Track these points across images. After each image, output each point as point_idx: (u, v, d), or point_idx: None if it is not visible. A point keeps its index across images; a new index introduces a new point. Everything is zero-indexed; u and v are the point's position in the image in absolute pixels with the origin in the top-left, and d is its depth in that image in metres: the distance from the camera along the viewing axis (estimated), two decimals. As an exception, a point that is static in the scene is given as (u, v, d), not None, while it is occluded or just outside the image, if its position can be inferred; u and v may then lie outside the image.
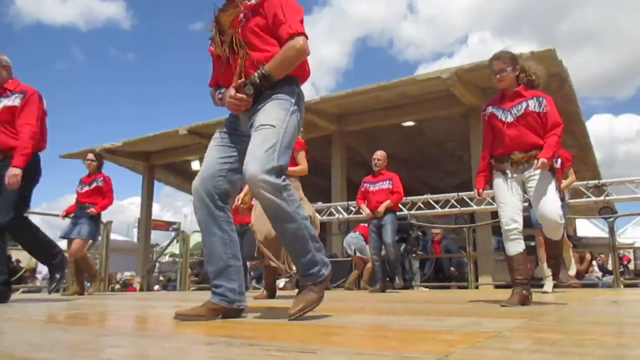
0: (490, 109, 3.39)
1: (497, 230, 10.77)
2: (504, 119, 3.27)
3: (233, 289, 2.25)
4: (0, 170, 3.70)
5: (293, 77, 2.31)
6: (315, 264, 2.21)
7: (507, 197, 3.24)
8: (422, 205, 9.01)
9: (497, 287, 8.84)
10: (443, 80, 10.02)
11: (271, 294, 4.75)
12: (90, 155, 6.36)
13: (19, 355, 1.32)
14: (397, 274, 6.54)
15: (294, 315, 2.07)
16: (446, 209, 8.82)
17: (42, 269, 13.18)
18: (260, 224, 4.33)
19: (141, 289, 12.22)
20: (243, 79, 2.23)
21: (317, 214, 4.75)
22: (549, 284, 5.43)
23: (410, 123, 12.76)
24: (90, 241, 6.32)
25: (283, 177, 2.12)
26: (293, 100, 2.28)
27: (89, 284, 6.51)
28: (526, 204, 3.36)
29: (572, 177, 5.81)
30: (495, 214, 9.50)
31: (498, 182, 3.31)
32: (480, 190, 3.50)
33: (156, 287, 14.44)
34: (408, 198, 9.13)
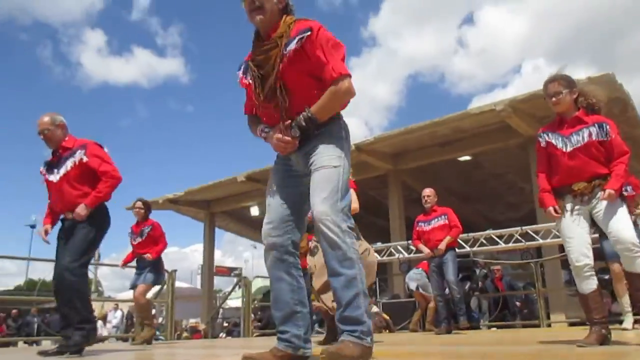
0: (546, 136, 3.19)
1: (566, 263, 10.24)
2: (563, 148, 3.07)
3: (299, 335, 2.21)
4: (72, 228, 3.74)
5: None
6: (360, 323, 2.03)
7: (573, 230, 3.02)
8: (484, 241, 8.75)
9: (571, 324, 8.38)
10: (497, 112, 9.87)
11: (333, 337, 4.66)
12: (139, 204, 6.45)
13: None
14: (462, 314, 6.31)
15: (325, 355, 1.93)
16: (510, 244, 8.52)
17: (113, 319, 13.61)
18: (321, 275, 4.27)
19: (205, 336, 12.35)
20: (289, 121, 2.21)
21: (373, 251, 4.60)
22: (629, 320, 5.10)
23: (466, 157, 12.57)
24: (154, 287, 6.44)
25: (349, 220, 2.11)
26: (344, 135, 2.29)
27: (141, 330, 6.62)
28: (596, 235, 3.16)
29: None
30: (563, 247, 9.07)
31: (560, 219, 3.08)
32: (553, 208, 3.10)
33: (221, 334, 14.56)
34: (470, 234, 8.91)
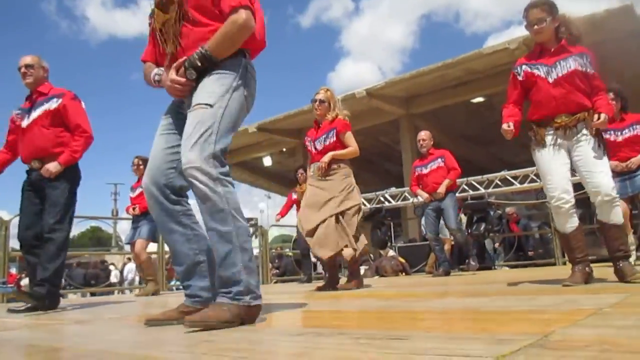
0: (526, 68, 2.95)
1: (581, 202, 10.19)
2: (547, 77, 2.85)
3: (205, 287, 2.03)
4: (41, 181, 3.60)
5: (240, 49, 2.04)
6: (238, 283, 1.79)
7: (553, 166, 2.83)
8: (499, 183, 8.70)
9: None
10: (511, 51, 9.62)
11: (332, 286, 4.24)
12: (136, 160, 6.43)
13: (122, 352, 1.39)
14: (472, 255, 6.23)
15: (189, 323, 1.69)
16: (525, 185, 8.46)
17: (128, 274, 13.91)
18: (305, 220, 4.08)
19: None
20: (183, 59, 1.97)
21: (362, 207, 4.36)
22: (632, 257, 5.08)
23: (479, 99, 12.36)
24: (151, 240, 6.42)
25: (221, 167, 1.85)
26: (236, 74, 2.00)
27: (144, 285, 6.74)
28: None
29: None
30: (579, 185, 8.98)
31: (541, 152, 2.89)
32: (507, 124, 2.94)
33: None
34: (484, 176, 8.85)
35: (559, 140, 2.85)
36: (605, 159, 2.81)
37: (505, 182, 8.63)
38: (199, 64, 1.93)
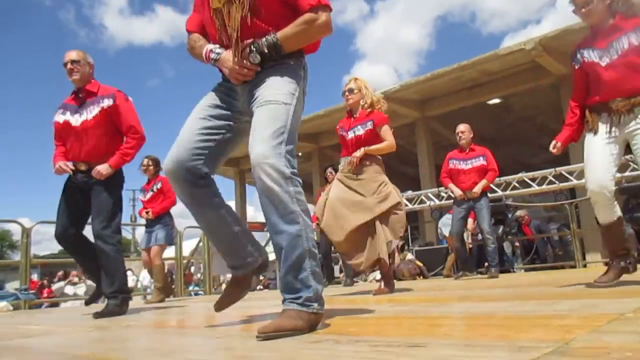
0: (581, 55, 2.82)
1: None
2: (601, 61, 2.70)
3: (250, 252, 2.11)
4: (87, 184, 3.54)
5: (301, 49, 1.99)
6: (307, 289, 1.70)
7: (597, 155, 2.70)
8: (517, 185, 8.62)
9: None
10: (527, 52, 9.54)
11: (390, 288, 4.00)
12: (146, 161, 6.33)
13: (141, 362, 1.41)
14: (494, 264, 5.73)
15: (261, 335, 1.58)
16: (544, 187, 8.37)
17: (144, 280, 14.00)
18: (333, 224, 3.77)
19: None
20: (248, 42, 1.88)
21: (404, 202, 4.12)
22: None
23: (496, 100, 12.27)
24: (168, 246, 6.37)
25: (292, 167, 1.75)
26: (301, 76, 1.96)
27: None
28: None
29: None
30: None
31: (590, 140, 2.76)
32: (559, 144, 2.96)
33: (259, 287, 14.90)
34: (501, 178, 8.77)
35: (613, 129, 2.69)
36: None
37: (523, 184, 8.55)
38: (266, 51, 1.86)
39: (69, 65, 3.58)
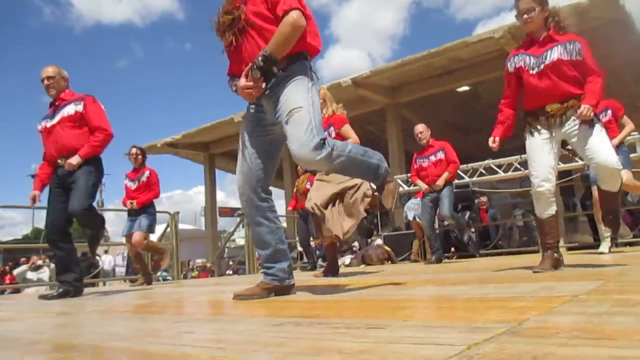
0: (515, 60, 3.08)
1: (566, 190, 10.33)
2: (534, 69, 2.96)
3: (283, 269, 2.47)
4: (68, 177, 3.90)
5: (301, 53, 2.34)
6: (378, 167, 2.42)
7: (539, 155, 2.97)
8: (483, 172, 8.76)
9: (569, 249, 8.52)
10: (496, 40, 9.64)
11: (333, 272, 4.70)
12: (134, 150, 6.47)
13: (100, 345, 1.39)
14: (470, 239, 6.40)
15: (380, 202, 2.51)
16: (509, 173, 8.53)
17: (103, 264, 13.84)
18: (316, 194, 4.35)
19: (212, 275, 12.63)
20: (248, 67, 2.26)
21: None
22: (605, 245, 5.17)
23: (465, 88, 12.41)
24: (150, 233, 6.54)
25: (327, 145, 2.20)
26: (307, 77, 2.33)
27: (155, 272, 6.81)
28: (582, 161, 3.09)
29: (631, 124, 5.25)
30: (563, 174, 9.13)
31: (531, 140, 3.03)
32: (497, 138, 3.21)
33: (228, 271, 14.88)
34: (469, 165, 8.90)
35: (551, 129, 2.95)
36: (603, 133, 2.85)
37: (490, 170, 8.69)
38: (262, 64, 2.21)
39: (45, 82, 3.99)
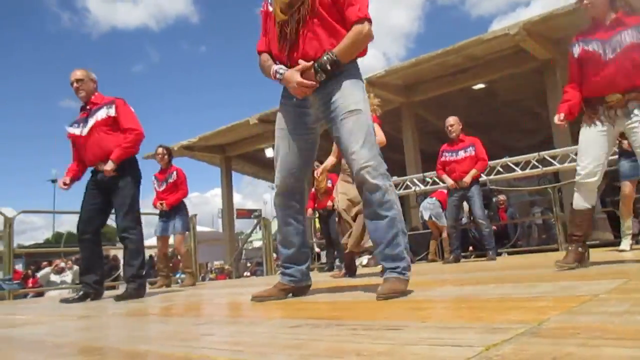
0: (581, 44, 2.85)
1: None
2: (602, 54, 2.74)
3: (301, 270, 2.49)
4: (107, 182, 3.96)
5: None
6: (402, 259, 2.17)
7: (591, 148, 2.82)
8: (500, 169, 8.69)
9: (589, 246, 8.41)
10: (511, 37, 9.56)
11: (351, 273, 4.72)
12: (161, 150, 6.52)
13: (123, 349, 1.41)
14: (491, 247, 6.14)
15: (382, 295, 2.01)
16: (527, 171, 8.45)
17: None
18: (343, 197, 4.41)
19: (230, 277, 12.70)
20: (311, 63, 2.18)
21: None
22: (626, 242, 5.08)
23: (480, 85, 12.31)
24: (185, 233, 6.69)
25: (384, 164, 2.19)
26: (361, 77, 2.30)
27: (178, 275, 6.91)
28: (615, 156, 2.99)
29: None
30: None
31: (586, 130, 2.86)
32: (562, 114, 2.94)
33: (246, 273, 14.95)
34: (485, 163, 8.84)
35: (610, 121, 2.79)
36: None
37: (507, 168, 8.62)
38: (329, 68, 2.16)
39: (74, 85, 4.07)
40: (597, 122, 2.83)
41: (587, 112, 2.89)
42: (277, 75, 2.28)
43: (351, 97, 2.19)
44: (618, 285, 1.87)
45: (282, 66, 2.28)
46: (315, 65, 2.17)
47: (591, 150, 2.84)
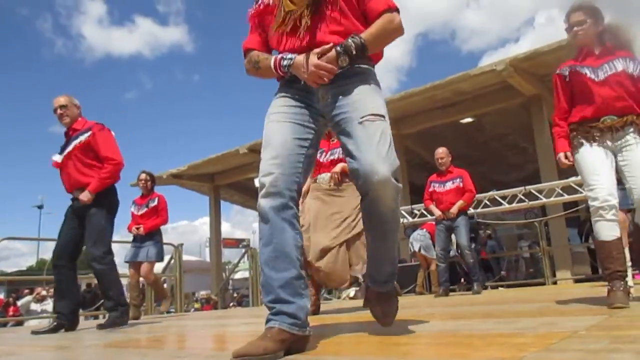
0: (570, 67, 2.83)
1: (571, 222, 10.29)
2: (594, 76, 2.73)
3: (305, 308, 1.68)
4: (81, 210, 3.89)
5: (371, 58, 1.99)
6: (394, 277, 2.08)
7: (599, 166, 2.63)
8: (487, 203, 8.74)
9: (576, 281, 8.44)
10: (498, 72, 9.74)
11: (314, 310, 3.88)
12: (144, 176, 6.36)
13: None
14: (476, 279, 6.17)
15: (389, 324, 2.05)
16: (514, 205, 8.51)
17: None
18: (317, 234, 3.77)
19: (215, 307, 12.53)
20: (331, 45, 1.81)
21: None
22: (628, 277, 5.09)
23: (468, 119, 12.46)
24: (157, 262, 6.39)
25: (400, 182, 1.83)
26: (380, 88, 1.97)
27: (157, 305, 6.71)
28: None
29: None
30: (568, 205, 9.11)
31: (584, 151, 2.70)
32: (567, 153, 2.79)
33: (232, 303, 14.76)
34: (473, 196, 8.90)
35: (605, 143, 2.68)
36: None
37: (494, 202, 8.67)
38: (354, 52, 1.80)
39: (58, 111, 4.02)
40: (595, 144, 2.70)
41: (580, 134, 2.76)
42: (284, 62, 1.87)
43: (372, 100, 1.85)
44: (598, 321, 1.87)
45: (287, 53, 1.89)
46: (338, 47, 1.80)
47: (600, 168, 2.63)
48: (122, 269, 6.82)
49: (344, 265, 3.77)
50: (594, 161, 2.66)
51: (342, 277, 3.79)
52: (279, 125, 1.87)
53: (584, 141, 2.72)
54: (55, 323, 3.86)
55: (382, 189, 1.72)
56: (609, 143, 2.68)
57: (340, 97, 1.85)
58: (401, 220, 9.91)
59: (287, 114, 1.89)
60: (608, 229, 2.59)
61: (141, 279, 6.35)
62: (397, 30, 1.90)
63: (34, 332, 3.82)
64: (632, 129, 2.64)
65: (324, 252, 3.71)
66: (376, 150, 1.72)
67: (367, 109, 1.80)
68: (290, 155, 1.80)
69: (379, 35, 1.86)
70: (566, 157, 2.80)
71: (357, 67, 1.88)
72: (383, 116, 1.82)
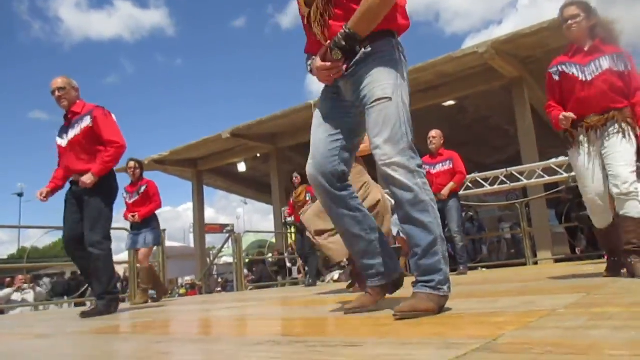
0: (561, 67, 2.98)
1: (551, 203, 10.43)
2: (580, 77, 2.88)
3: (385, 262, 2.09)
4: (80, 194, 3.88)
5: (387, 30, 1.99)
6: (437, 271, 1.83)
7: (588, 173, 2.89)
8: (470, 185, 8.80)
9: (557, 261, 8.58)
10: (480, 55, 9.75)
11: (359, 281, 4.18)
12: (132, 163, 6.39)
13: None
14: (462, 262, 6.19)
15: (399, 313, 1.74)
16: (495, 187, 8.59)
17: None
18: (315, 223, 3.92)
19: (200, 292, 12.53)
20: (327, 44, 1.95)
21: (387, 198, 4.18)
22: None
23: (450, 102, 12.50)
24: (154, 247, 6.52)
25: (417, 158, 1.89)
26: (397, 59, 1.98)
27: (153, 292, 6.72)
28: None
29: None
30: (549, 186, 9.22)
31: (575, 156, 2.95)
32: (563, 115, 2.88)
33: (217, 289, 14.76)
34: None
35: (591, 141, 2.89)
36: (632, 151, 2.78)
37: (476, 184, 8.74)
38: (344, 43, 1.90)
39: (56, 93, 3.95)
40: (581, 144, 2.92)
41: (570, 135, 2.96)
42: (307, 68, 2.10)
43: (378, 83, 1.90)
44: (577, 300, 1.90)
45: (313, 56, 2.06)
46: (330, 44, 1.93)
47: (588, 174, 2.90)
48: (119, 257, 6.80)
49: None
50: (580, 167, 2.93)
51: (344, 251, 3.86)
52: (314, 129, 2.12)
53: (574, 143, 2.95)
54: (94, 307, 3.88)
55: (384, 167, 1.85)
56: (595, 139, 2.87)
57: (356, 85, 1.97)
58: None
59: (319, 117, 2.12)
60: (601, 219, 2.96)
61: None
62: (383, 3, 1.88)
63: (83, 315, 3.75)
64: (614, 124, 2.81)
65: (323, 230, 3.83)
66: (378, 135, 1.86)
67: (374, 95, 1.90)
68: (325, 154, 2.05)
69: (365, 15, 1.87)
70: (564, 117, 2.89)
71: (368, 49, 1.94)
72: (389, 97, 1.88)
